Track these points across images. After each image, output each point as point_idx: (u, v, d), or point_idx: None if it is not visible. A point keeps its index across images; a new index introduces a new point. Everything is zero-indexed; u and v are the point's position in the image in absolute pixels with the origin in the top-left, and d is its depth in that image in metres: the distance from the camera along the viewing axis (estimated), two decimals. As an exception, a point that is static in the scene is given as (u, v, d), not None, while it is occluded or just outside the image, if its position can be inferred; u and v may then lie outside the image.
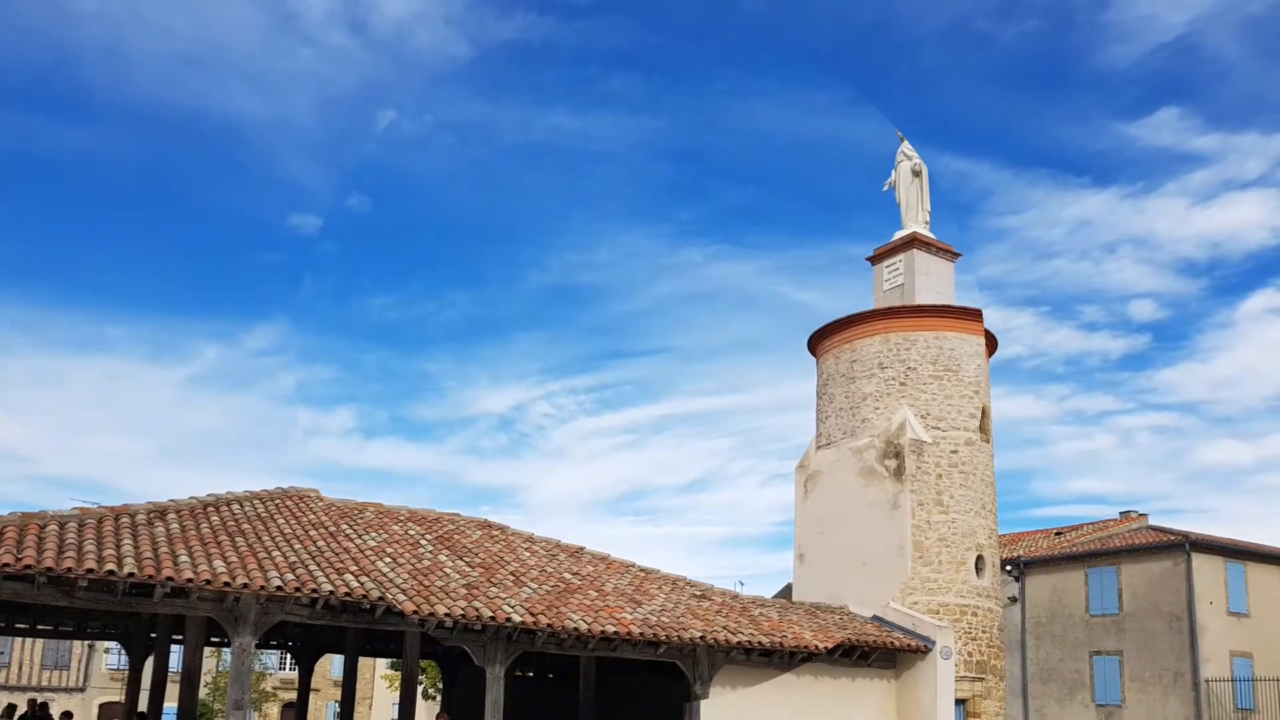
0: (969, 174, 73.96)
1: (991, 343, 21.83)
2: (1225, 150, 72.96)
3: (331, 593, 12.78)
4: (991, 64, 77.33)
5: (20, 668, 37.05)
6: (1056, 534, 34.54)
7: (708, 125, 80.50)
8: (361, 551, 15.06)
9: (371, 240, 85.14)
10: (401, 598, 13.32)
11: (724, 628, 16.08)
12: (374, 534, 16.33)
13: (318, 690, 40.23)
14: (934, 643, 18.20)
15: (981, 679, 19.61)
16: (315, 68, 76.21)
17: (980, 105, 77.51)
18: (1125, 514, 34.55)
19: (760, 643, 16.01)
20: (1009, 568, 31.43)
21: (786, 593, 22.45)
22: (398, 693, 32.99)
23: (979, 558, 19.92)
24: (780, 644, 16.28)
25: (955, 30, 72.68)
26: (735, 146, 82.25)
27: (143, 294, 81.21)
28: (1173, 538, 28.79)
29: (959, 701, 18.98)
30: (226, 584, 12.11)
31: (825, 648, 16.85)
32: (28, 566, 11.20)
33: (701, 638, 15.44)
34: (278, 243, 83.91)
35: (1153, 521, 33.03)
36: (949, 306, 21.52)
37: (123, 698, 26.07)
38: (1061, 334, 79.81)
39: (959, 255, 22.83)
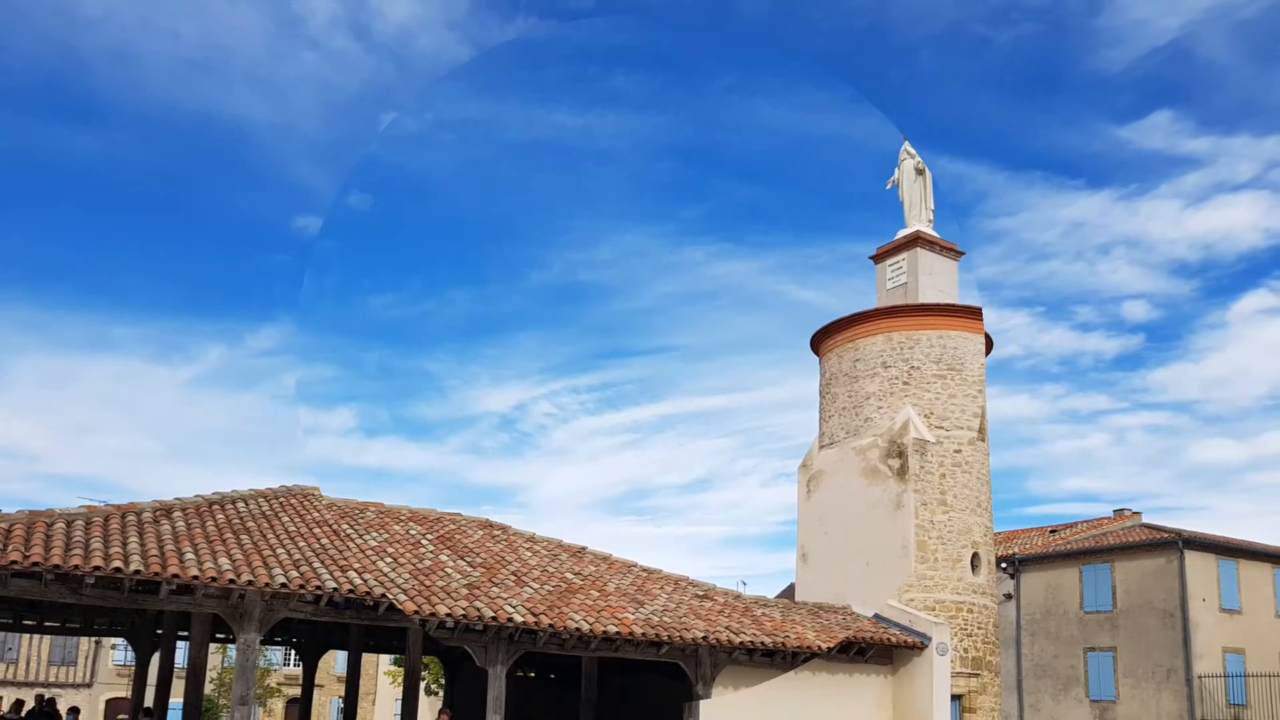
0: (965, 176, 74.03)
1: (987, 343, 21.99)
2: (1217, 153, 73.16)
3: (335, 590, 12.95)
4: (987, 68, 77.35)
5: (28, 663, 37.25)
6: (1051, 532, 34.72)
7: (710, 123, 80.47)
8: (363, 551, 15.19)
9: (372, 238, 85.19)
10: (403, 598, 13.40)
11: (726, 628, 16.16)
12: (375, 534, 16.42)
13: (321, 686, 40.45)
14: (930, 639, 18.39)
15: (977, 675, 19.83)
16: (319, 72, 76.30)
17: (976, 108, 77.50)
18: (1119, 512, 34.75)
19: (763, 643, 16.07)
20: (1004, 565, 31.63)
21: (789, 593, 22.50)
22: (401, 688, 33.27)
23: (975, 555, 20.12)
24: (783, 644, 16.35)
25: (951, 34, 72.73)
26: (738, 144, 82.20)
27: (150, 295, 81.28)
28: (1166, 535, 28.96)
29: (955, 697, 19.18)
30: (231, 581, 12.29)
31: (828, 648, 16.99)
32: (35, 564, 11.39)
33: (704, 638, 15.50)
34: (283, 244, 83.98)
35: (1146, 519, 33.20)
36: (952, 305, 21.57)
37: (129, 693, 26.26)
38: (1056, 334, 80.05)
39: (962, 254, 22.83)
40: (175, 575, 12.02)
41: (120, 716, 35.50)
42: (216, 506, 15.70)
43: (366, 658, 32.62)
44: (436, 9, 78.10)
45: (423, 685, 28.70)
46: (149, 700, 19.78)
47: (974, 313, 21.34)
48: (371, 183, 77.63)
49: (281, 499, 17.12)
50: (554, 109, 78.39)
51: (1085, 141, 77.07)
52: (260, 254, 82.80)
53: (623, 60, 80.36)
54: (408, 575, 14.50)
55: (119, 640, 33.38)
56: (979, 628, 19.98)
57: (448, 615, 13.41)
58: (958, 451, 20.38)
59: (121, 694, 36.77)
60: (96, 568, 11.66)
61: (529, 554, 17.75)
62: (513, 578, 15.85)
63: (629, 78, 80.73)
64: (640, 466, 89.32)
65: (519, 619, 13.91)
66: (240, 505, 16.11)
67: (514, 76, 76.53)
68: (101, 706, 38.16)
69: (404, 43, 76.83)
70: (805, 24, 71.80)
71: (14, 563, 11.32)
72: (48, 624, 18.51)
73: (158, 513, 14.52)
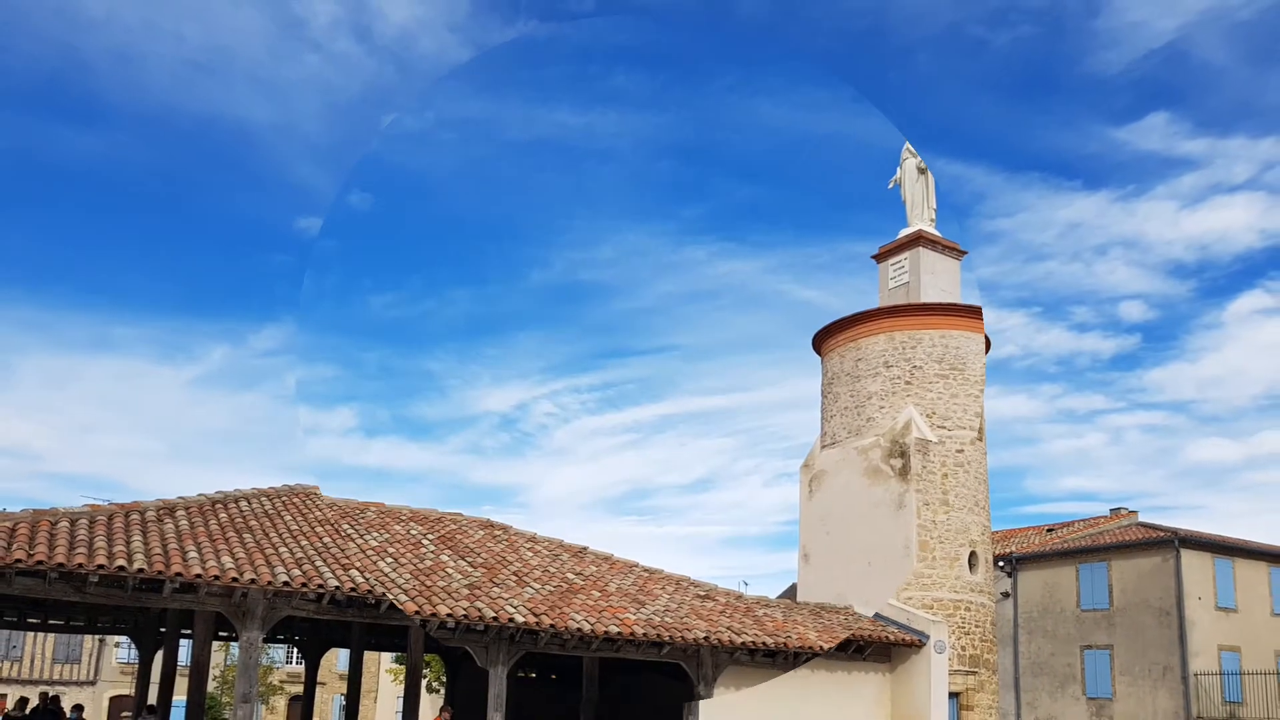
0: (962, 177, 74.14)
1: (986, 343, 22.07)
2: (1213, 154, 73.35)
3: (337, 588, 13.04)
4: (985, 69, 77.43)
5: (32, 661, 37.37)
6: (1048, 530, 34.84)
7: (710, 123, 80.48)
8: (364, 551, 15.24)
9: (372, 238, 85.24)
10: (404, 598, 13.45)
11: (728, 628, 16.19)
12: (376, 533, 16.46)
13: (324, 684, 40.55)
14: (928, 637, 18.51)
15: (975, 673, 19.95)
16: (321, 74, 76.36)
17: (974, 110, 77.57)
18: (1115, 511, 34.86)
19: (765, 643, 16.10)
20: (1002, 564, 31.77)
21: (791, 593, 22.54)
22: (402, 686, 33.40)
23: (972, 554, 20.22)
24: (785, 645, 16.38)
25: (949, 36, 72.76)
26: (738, 144, 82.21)
27: (151, 295, 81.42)
28: (1162, 534, 29.09)
29: (952, 694, 19.30)
30: (234, 579, 12.36)
31: (830, 648, 17.06)
32: (40, 562, 11.46)
33: (706, 638, 15.53)
34: (284, 245, 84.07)
35: (1142, 518, 33.32)
36: (955, 305, 21.59)
37: (133, 691, 26.41)
38: (1053, 334, 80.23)
39: (964, 253, 22.83)
40: (178, 574, 12.10)
41: (124, 714, 35.65)
42: (219, 505, 15.78)
43: (368, 656, 32.77)
44: (438, 11, 78.21)
45: (424, 683, 28.86)
46: (152, 698, 19.90)
47: (975, 312, 21.38)
48: (372, 182, 77.74)
49: (284, 498, 17.21)
50: (555, 108, 78.48)
51: (1082, 143, 77.24)
52: (261, 254, 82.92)
53: (623, 60, 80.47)
54: (409, 575, 14.55)
55: (123, 638, 33.50)
56: (976, 626, 20.10)
57: (449, 615, 13.45)
58: (959, 451, 20.46)
59: (125, 692, 36.89)
60: (100, 566, 11.74)
61: (530, 554, 17.79)
62: (514, 578, 15.90)
63: (629, 77, 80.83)
64: (641, 466, 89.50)
65: (520, 619, 13.93)
66: (243, 504, 16.20)
67: (514, 76, 76.62)
68: (105, 704, 38.28)
69: (405, 45, 76.90)
70: (805, 24, 71.88)
71: (18, 561, 11.41)
72: (52, 622, 18.61)
73: (161, 511, 14.60)
